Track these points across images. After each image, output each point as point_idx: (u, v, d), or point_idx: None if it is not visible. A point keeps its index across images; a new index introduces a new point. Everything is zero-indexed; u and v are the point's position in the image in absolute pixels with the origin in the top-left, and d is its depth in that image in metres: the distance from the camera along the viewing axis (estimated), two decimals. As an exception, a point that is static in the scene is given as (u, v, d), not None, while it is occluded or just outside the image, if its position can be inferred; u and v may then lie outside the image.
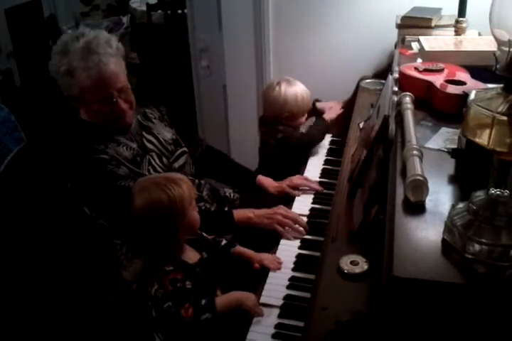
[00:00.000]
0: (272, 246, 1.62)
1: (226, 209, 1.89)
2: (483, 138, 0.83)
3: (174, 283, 1.33)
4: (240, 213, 1.72)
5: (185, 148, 1.90)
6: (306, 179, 1.93)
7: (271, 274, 1.50)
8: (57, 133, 1.84)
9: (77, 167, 1.62)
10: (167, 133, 1.86)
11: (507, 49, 0.83)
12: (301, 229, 1.66)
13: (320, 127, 2.15)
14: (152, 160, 1.75)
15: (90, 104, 1.63)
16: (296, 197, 1.86)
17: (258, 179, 1.97)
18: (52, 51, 1.63)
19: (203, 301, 1.33)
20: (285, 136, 2.12)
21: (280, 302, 1.39)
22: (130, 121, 1.73)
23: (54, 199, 3.17)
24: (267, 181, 1.96)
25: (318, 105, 2.32)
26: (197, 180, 1.86)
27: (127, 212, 1.36)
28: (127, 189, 1.52)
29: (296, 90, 2.13)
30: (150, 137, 1.80)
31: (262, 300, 1.40)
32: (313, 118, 2.24)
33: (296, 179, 1.93)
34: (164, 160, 1.79)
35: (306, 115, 2.19)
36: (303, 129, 2.22)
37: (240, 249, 1.57)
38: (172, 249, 1.39)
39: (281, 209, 1.72)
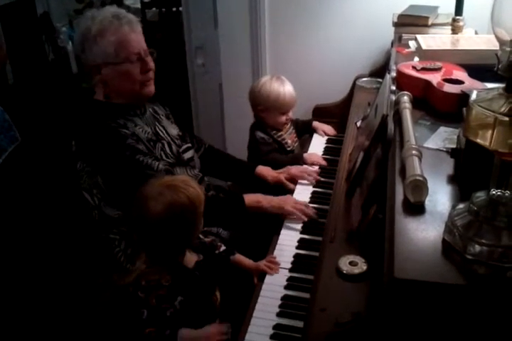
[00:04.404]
0: (267, 249, 1.61)
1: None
2: (485, 139, 0.82)
3: (160, 301, 1.30)
4: (249, 197, 1.73)
5: (190, 144, 1.93)
6: (305, 170, 1.95)
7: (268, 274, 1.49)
8: (71, 112, 1.86)
9: (95, 140, 1.63)
10: (173, 130, 1.88)
11: (509, 49, 0.82)
12: (313, 215, 1.70)
13: (292, 161, 2.10)
14: (163, 147, 1.76)
15: (122, 64, 1.64)
16: (294, 196, 1.85)
17: (257, 169, 1.99)
18: (80, 25, 1.71)
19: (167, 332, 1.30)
20: (258, 147, 2.12)
21: (278, 302, 1.38)
22: (153, 90, 1.75)
23: (48, 197, 3.16)
24: (265, 170, 1.98)
25: (314, 124, 2.32)
26: (202, 176, 1.88)
27: (138, 218, 1.34)
28: (144, 165, 1.59)
29: (274, 87, 2.10)
30: (161, 128, 1.82)
31: (260, 300, 1.40)
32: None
33: (294, 170, 1.95)
34: (173, 148, 1.80)
35: (287, 115, 2.14)
36: (286, 137, 2.19)
37: (238, 257, 1.56)
38: (179, 252, 1.38)
39: (291, 197, 1.76)
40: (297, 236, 1.64)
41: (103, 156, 1.62)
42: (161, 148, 1.75)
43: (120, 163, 1.61)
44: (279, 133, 2.17)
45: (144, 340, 1.30)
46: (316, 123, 2.33)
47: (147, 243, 1.37)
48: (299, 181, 1.94)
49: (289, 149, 2.18)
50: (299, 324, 1.29)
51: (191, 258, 1.42)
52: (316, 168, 2.03)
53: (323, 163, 2.06)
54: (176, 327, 1.31)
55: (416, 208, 1.03)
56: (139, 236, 1.38)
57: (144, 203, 1.32)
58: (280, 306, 1.37)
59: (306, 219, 1.68)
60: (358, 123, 1.95)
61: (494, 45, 0.87)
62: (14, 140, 3.20)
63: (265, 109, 2.12)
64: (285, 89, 2.11)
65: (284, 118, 2.14)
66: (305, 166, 2.02)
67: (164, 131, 1.82)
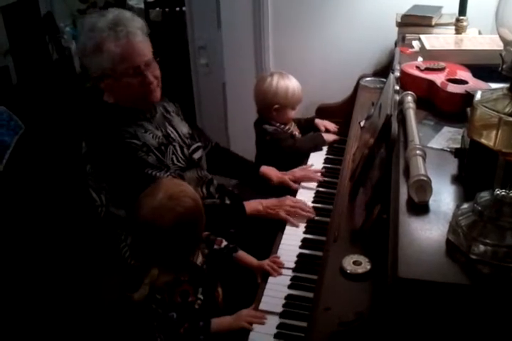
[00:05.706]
0: (271, 246, 1.62)
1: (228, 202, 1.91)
2: (490, 139, 0.82)
3: (185, 296, 1.33)
4: (249, 205, 1.74)
5: (199, 143, 1.93)
6: (309, 171, 1.96)
7: (272, 273, 1.50)
8: (81, 115, 1.85)
9: (106, 149, 1.62)
10: (183, 128, 1.88)
11: (513, 49, 0.82)
12: (309, 214, 1.71)
13: (314, 142, 2.15)
14: (175, 150, 1.76)
15: (121, 79, 1.62)
16: (297, 196, 1.86)
17: (262, 169, 2.00)
18: (80, 34, 1.66)
19: (201, 323, 1.33)
20: (274, 138, 2.12)
21: (282, 302, 1.39)
22: (158, 98, 1.73)
23: (56, 196, 3.16)
24: (270, 171, 1.99)
25: (316, 121, 2.32)
26: (210, 176, 1.89)
27: (148, 234, 1.33)
28: (153, 178, 1.58)
29: (287, 83, 2.12)
30: (171, 128, 1.82)
31: (264, 299, 1.40)
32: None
33: (298, 172, 1.96)
34: (185, 151, 1.80)
35: (295, 109, 2.17)
36: (293, 130, 2.20)
37: (242, 255, 1.56)
38: (192, 253, 1.39)
39: (288, 199, 1.76)
40: (301, 235, 1.64)
41: (113, 168, 1.62)
42: (172, 152, 1.74)
43: (129, 176, 1.61)
44: (287, 127, 2.19)
45: (179, 339, 1.31)
46: (317, 120, 2.33)
47: (161, 255, 1.35)
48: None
49: None
50: (303, 323, 1.29)
51: (198, 255, 1.43)
52: (320, 167, 2.03)
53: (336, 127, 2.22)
54: (208, 318, 1.34)
55: (420, 208, 1.03)
56: (151, 250, 1.36)
57: (152, 219, 1.30)
58: (284, 305, 1.37)
59: (297, 224, 1.68)
60: (362, 123, 1.95)
61: (498, 45, 0.88)
62: (17, 128, 3.11)
63: (281, 107, 2.12)
64: (294, 83, 2.14)
65: (293, 112, 2.17)
66: (309, 168, 2.01)
67: (175, 132, 1.81)
